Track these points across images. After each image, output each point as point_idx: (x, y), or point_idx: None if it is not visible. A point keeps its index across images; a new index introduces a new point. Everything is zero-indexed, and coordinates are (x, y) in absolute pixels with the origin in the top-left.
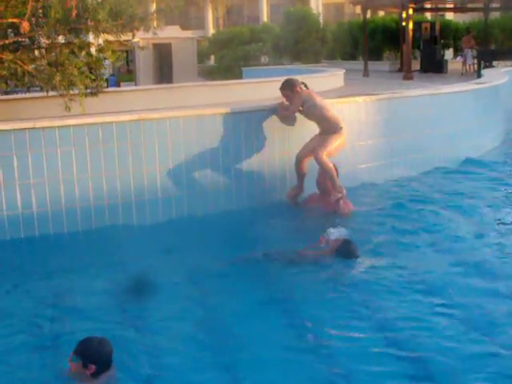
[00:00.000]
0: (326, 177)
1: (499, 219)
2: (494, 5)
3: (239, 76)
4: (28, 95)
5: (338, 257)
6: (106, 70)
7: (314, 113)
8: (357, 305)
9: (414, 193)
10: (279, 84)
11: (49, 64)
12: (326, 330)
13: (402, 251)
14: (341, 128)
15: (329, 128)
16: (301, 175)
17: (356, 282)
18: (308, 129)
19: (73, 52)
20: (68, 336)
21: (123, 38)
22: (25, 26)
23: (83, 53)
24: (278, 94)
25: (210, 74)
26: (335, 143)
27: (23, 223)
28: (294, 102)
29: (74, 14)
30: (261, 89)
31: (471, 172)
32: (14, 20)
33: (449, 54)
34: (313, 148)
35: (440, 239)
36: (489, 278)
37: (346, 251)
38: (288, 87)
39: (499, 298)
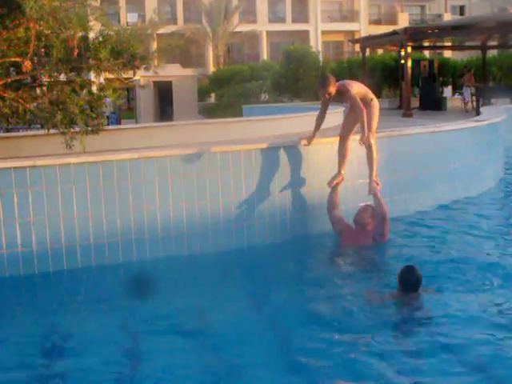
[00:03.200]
0: (367, 211)
1: None
2: (492, 43)
3: (239, 113)
4: (29, 133)
5: (404, 290)
6: (107, 108)
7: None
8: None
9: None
10: (279, 122)
11: (50, 102)
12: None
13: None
14: (371, 100)
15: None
16: (344, 157)
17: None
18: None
19: (74, 90)
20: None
21: (124, 76)
22: (27, 64)
23: (84, 91)
24: (278, 132)
25: (211, 112)
26: (375, 119)
27: (22, 261)
28: (354, 102)
29: (75, 53)
30: (261, 127)
31: (471, 209)
32: (17, 59)
33: (447, 91)
34: (355, 126)
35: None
36: None
37: (409, 275)
38: (329, 84)
39: None
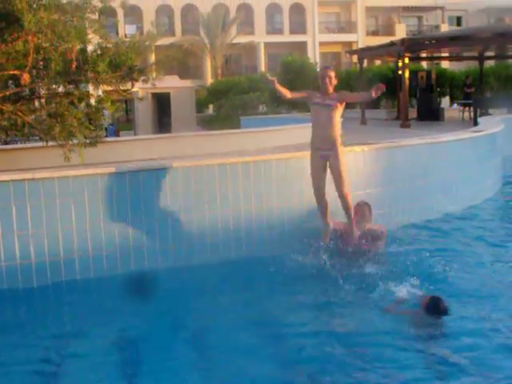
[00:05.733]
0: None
1: None
2: (489, 53)
3: (237, 125)
4: (27, 145)
5: (427, 313)
6: (106, 120)
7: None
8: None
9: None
10: (277, 133)
11: (49, 115)
12: None
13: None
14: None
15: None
16: (325, 208)
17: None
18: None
19: (72, 103)
20: None
21: (122, 88)
22: (25, 77)
23: (83, 104)
24: (276, 143)
25: (209, 123)
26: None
27: (21, 273)
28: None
29: (74, 66)
30: (259, 138)
31: (469, 220)
32: (15, 72)
33: (445, 101)
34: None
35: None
36: None
37: (436, 308)
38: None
39: None
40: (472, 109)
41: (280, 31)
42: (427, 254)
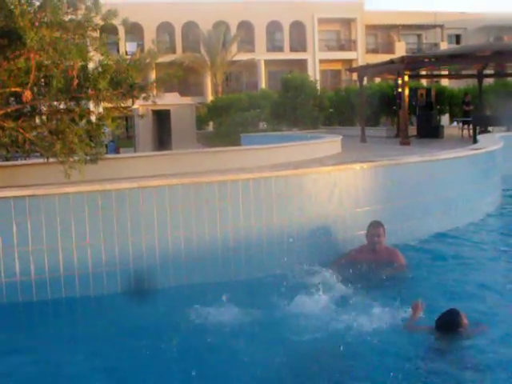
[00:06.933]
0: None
1: None
2: (488, 71)
3: (238, 142)
4: (28, 161)
5: (440, 330)
6: (106, 137)
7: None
8: None
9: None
10: (277, 150)
11: (50, 132)
12: None
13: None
14: None
15: None
16: None
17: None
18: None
19: (73, 120)
20: None
21: (123, 105)
22: (27, 94)
23: (83, 121)
24: (276, 160)
25: (209, 140)
26: None
27: (21, 290)
28: None
29: (75, 84)
30: (260, 155)
31: (469, 239)
32: (17, 89)
33: (445, 119)
34: None
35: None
36: None
37: (451, 323)
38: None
39: None
40: (471, 126)
41: (280, 49)
42: (425, 271)
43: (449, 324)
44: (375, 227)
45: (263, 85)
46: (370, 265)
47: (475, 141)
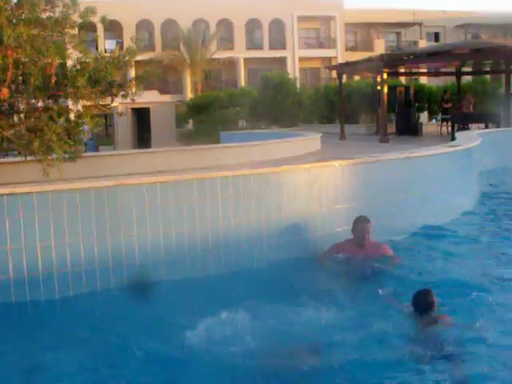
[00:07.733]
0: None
1: None
2: (466, 69)
3: (217, 140)
4: (6, 160)
5: (416, 310)
6: (85, 135)
7: None
8: None
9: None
10: (256, 148)
11: (27, 130)
12: None
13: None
14: None
15: None
16: None
17: None
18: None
19: (51, 118)
20: None
21: (102, 103)
22: (4, 92)
23: (62, 118)
24: (255, 158)
25: (188, 138)
26: None
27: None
28: None
29: (53, 81)
30: (239, 153)
31: (448, 235)
32: None
33: (423, 117)
34: None
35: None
36: None
37: (424, 302)
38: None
39: None
40: (450, 123)
41: (260, 46)
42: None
43: (426, 303)
44: (365, 222)
45: (243, 83)
46: (359, 259)
47: (453, 138)
